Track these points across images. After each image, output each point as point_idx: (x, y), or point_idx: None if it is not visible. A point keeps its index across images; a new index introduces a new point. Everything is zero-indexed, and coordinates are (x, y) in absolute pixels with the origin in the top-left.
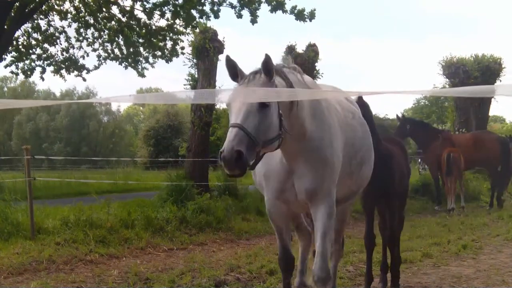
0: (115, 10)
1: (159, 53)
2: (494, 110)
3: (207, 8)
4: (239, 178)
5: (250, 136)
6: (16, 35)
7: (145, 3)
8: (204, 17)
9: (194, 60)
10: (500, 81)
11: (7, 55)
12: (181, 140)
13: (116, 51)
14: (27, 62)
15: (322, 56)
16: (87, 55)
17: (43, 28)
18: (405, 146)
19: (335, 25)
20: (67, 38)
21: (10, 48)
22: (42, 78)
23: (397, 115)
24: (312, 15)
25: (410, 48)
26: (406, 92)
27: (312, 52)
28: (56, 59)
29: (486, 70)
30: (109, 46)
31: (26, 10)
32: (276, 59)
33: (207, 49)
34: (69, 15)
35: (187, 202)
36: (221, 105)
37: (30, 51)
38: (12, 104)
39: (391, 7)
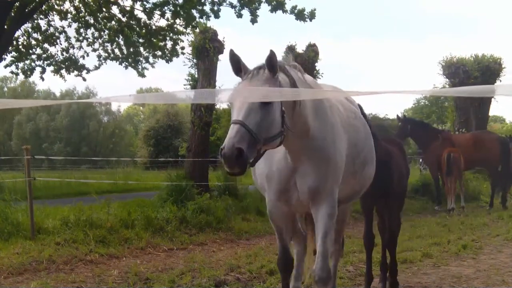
0: (115, 10)
1: (159, 53)
2: (494, 110)
3: (207, 8)
4: (239, 178)
5: (252, 133)
6: (16, 35)
7: (145, 3)
8: (204, 17)
9: (194, 60)
10: (500, 81)
11: (7, 55)
12: (181, 140)
13: (116, 51)
14: (27, 62)
15: (322, 56)
16: (87, 55)
17: (43, 28)
18: (404, 146)
19: (335, 25)
20: (67, 38)
21: (10, 48)
22: (42, 78)
23: (397, 116)
24: (312, 15)
25: (410, 48)
26: (406, 92)
27: (312, 52)
28: (56, 59)
29: (486, 70)
30: (109, 46)
31: (26, 10)
32: (277, 58)
33: (207, 49)
34: (69, 15)
35: (187, 202)
36: (221, 105)
37: (30, 51)
38: (12, 104)
39: (391, 7)
